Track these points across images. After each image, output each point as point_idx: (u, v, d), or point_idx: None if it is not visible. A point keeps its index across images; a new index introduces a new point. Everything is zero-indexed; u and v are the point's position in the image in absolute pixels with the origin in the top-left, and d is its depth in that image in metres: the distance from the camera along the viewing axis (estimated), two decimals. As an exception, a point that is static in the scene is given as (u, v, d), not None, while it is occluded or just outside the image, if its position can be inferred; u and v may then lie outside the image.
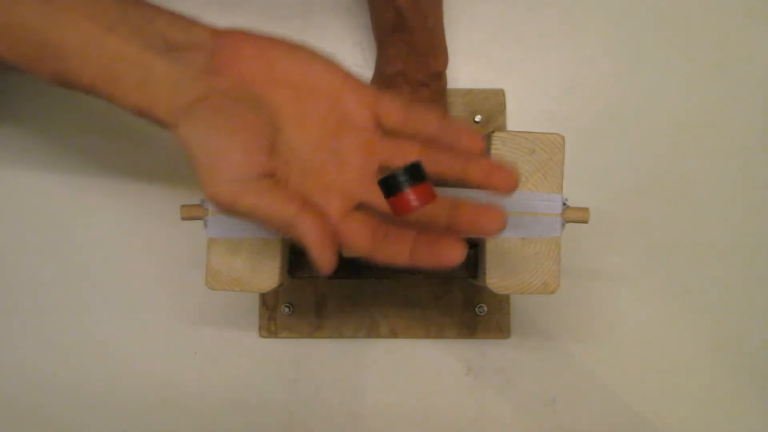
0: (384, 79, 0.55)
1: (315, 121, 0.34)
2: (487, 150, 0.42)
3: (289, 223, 0.31)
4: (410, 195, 0.30)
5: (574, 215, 0.41)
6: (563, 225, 0.41)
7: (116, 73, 0.32)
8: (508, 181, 0.31)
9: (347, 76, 0.34)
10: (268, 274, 0.41)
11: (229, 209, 0.32)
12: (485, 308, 0.59)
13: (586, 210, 0.41)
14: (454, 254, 0.31)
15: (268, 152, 0.32)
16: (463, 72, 0.62)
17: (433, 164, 0.32)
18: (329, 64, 0.34)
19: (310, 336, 0.59)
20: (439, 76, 0.57)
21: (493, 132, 0.41)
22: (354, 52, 0.62)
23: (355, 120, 0.34)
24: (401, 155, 0.33)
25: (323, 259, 0.31)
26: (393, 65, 0.54)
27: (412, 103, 0.34)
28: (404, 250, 0.32)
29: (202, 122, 0.32)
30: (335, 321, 0.59)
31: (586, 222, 0.41)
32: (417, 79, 0.55)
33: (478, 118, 0.61)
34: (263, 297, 0.59)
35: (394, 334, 0.59)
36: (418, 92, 0.55)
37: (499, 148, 0.41)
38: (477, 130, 0.31)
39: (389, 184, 0.30)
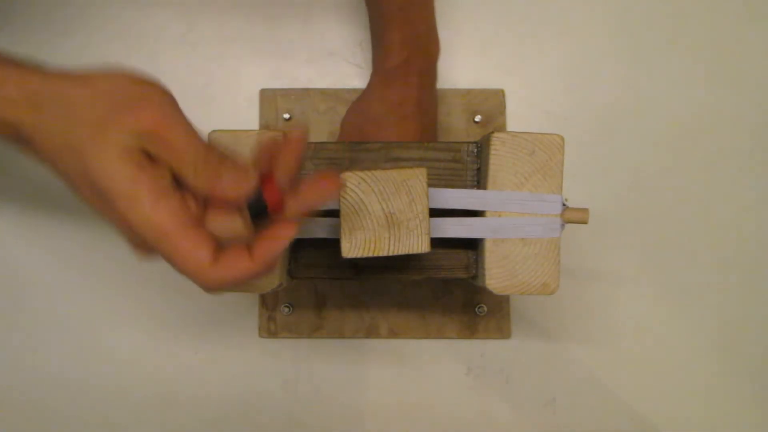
0: (388, 72, 0.53)
1: None
2: (486, 153, 0.42)
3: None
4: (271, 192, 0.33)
5: (574, 216, 0.41)
6: (563, 226, 0.41)
7: None
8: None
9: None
10: (268, 275, 0.41)
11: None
12: (485, 308, 0.59)
13: (585, 210, 0.41)
14: (331, 184, 0.33)
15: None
16: (463, 72, 0.62)
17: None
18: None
19: (310, 336, 0.59)
20: (434, 66, 0.56)
21: (492, 132, 0.41)
22: (354, 52, 0.62)
23: None
24: None
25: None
26: (398, 54, 0.52)
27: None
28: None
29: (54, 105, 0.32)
30: (335, 321, 0.59)
31: (585, 222, 0.41)
32: (421, 67, 0.53)
33: (478, 118, 0.61)
34: (263, 297, 0.59)
35: (394, 334, 0.59)
36: (422, 81, 0.54)
37: (499, 148, 0.41)
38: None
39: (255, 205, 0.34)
